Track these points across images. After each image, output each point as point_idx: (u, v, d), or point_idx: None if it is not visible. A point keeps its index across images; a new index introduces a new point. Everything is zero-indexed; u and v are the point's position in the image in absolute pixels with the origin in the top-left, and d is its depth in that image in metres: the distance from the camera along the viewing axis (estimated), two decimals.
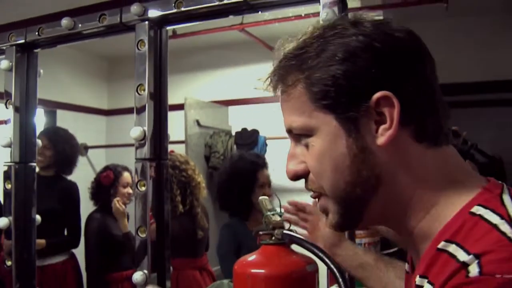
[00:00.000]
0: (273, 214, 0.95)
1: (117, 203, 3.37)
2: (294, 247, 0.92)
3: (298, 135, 0.77)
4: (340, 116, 0.72)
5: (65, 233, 3.44)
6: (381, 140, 0.72)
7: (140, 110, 1.47)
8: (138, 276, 1.41)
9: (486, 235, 0.64)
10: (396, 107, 0.70)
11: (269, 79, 0.81)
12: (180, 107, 4.46)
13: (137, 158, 1.46)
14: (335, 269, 0.73)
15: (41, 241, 3.15)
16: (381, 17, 0.79)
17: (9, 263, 1.67)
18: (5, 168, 1.67)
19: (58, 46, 1.73)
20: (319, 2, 1.30)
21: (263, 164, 2.81)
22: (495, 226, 0.65)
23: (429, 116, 0.74)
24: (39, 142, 1.82)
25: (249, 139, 4.77)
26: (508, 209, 0.68)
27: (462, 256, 0.64)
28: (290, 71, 0.77)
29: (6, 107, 1.68)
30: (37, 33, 1.67)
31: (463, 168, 0.79)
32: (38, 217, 1.79)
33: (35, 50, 1.77)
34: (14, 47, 1.69)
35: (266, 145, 4.79)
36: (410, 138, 0.73)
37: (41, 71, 1.80)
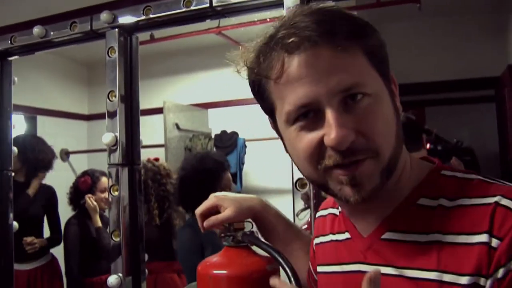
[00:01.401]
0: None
1: (88, 199, 3.41)
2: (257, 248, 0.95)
3: (353, 95, 0.75)
4: (385, 80, 0.81)
5: (43, 236, 3.46)
6: (398, 107, 0.83)
7: (112, 116, 1.49)
8: (112, 279, 1.42)
9: (479, 184, 0.77)
10: (397, 85, 0.85)
11: (309, 28, 0.75)
12: (159, 110, 4.48)
13: (110, 163, 1.49)
14: (288, 270, 0.75)
15: (42, 239, 3.36)
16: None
17: None
18: None
19: (35, 53, 1.75)
20: (283, 6, 1.33)
21: (227, 167, 2.75)
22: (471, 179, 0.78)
23: None
24: (14, 149, 1.83)
25: (228, 141, 4.79)
26: None
27: (488, 199, 0.73)
28: (349, 30, 0.76)
29: None
30: (9, 41, 1.68)
31: None
32: (15, 224, 1.80)
33: (9, 58, 1.79)
34: None
35: (245, 146, 4.81)
36: None
37: (16, 78, 1.81)
